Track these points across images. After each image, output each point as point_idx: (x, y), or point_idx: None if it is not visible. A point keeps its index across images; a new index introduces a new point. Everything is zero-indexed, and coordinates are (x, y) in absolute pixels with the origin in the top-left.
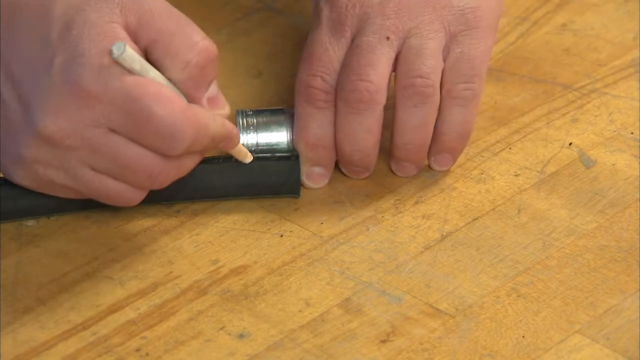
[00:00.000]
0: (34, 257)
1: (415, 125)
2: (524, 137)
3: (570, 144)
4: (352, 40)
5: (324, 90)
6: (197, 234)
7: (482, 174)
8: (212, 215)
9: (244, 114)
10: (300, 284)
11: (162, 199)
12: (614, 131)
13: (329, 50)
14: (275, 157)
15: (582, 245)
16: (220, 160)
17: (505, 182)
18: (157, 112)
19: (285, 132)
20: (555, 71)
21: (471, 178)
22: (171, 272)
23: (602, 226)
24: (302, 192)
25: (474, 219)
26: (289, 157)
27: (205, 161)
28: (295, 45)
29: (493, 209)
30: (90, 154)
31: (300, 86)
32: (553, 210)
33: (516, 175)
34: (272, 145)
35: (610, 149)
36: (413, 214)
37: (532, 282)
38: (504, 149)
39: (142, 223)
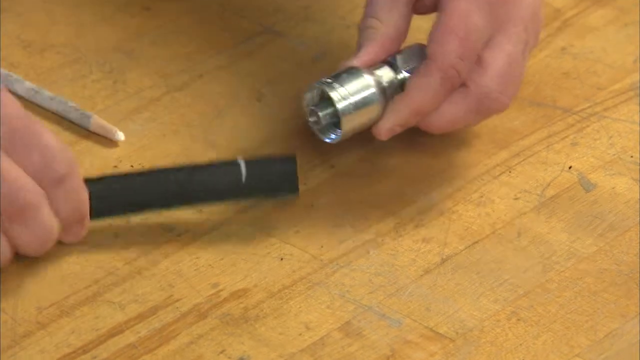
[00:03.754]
0: (34, 280)
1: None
2: (523, 160)
3: (570, 167)
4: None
5: (463, 78)
6: (197, 258)
7: (482, 197)
8: (212, 238)
9: (328, 84)
10: (300, 307)
11: (160, 204)
12: (614, 154)
13: (478, 31)
14: (273, 158)
15: (582, 268)
16: (219, 164)
17: (505, 206)
18: (48, 133)
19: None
20: (555, 94)
21: (471, 201)
22: (171, 295)
23: (602, 250)
24: (303, 214)
25: (474, 243)
26: (287, 158)
27: (203, 165)
28: (297, 68)
29: (493, 233)
30: None
31: (443, 61)
32: (553, 234)
33: (516, 198)
34: (364, 107)
35: (610, 172)
36: (413, 237)
37: (532, 306)
38: (503, 172)
39: (142, 246)
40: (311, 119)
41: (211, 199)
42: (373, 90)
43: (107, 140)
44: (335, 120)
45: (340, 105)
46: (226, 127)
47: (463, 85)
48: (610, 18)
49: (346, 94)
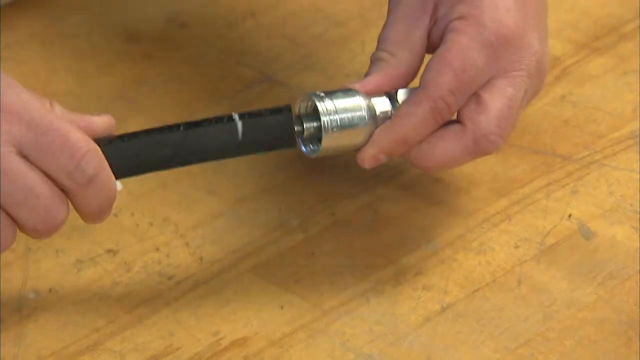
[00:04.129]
0: (35, 329)
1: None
2: (523, 208)
3: (570, 215)
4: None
5: (453, 112)
6: (197, 306)
7: (482, 245)
8: (212, 286)
9: (318, 96)
10: (300, 356)
11: (155, 166)
12: (614, 203)
13: (476, 69)
14: (268, 111)
15: (583, 317)
16: (213, 122)
17: (506, 254)
18: (74, 132)
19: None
20: (555, 142)
21: (471, 249)
22: (171, 344)
23: (602, 298)
24: (303, 262)
25: (474, 291)
26: (281, 110)
27: (195, 124)
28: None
29: (493, 281)
30: None
31: (434, 91)
32: (553, 282)
33: (516, 247)
34: (350, 128)
35: (610, 221)
36: (413, 285)
37: (532, 355)
38: (503, 220)
39: (143, 294)
40: (297, 128)
41: (208, 159)
42: (362, 113)
43: None
44: (320, 135)
45: (324, 118)
46: (227, 174)
47: (460, 123)
48: (610, 66)
49: (333, 109)
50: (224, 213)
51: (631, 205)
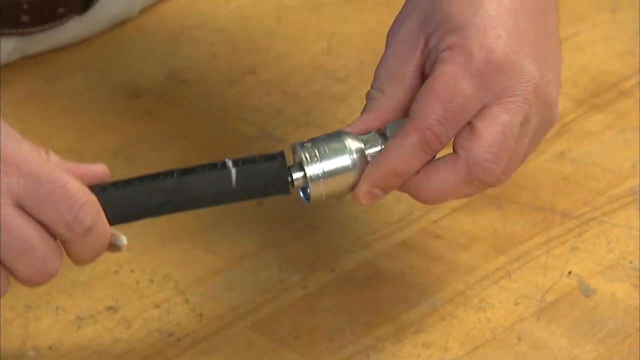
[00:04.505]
0: None
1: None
2: (523, 265)
3: (570, 272)
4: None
5: (444, 143)
6: None
7: (482, 302)
8: (212, 343)
9: (302, 146)
10: None
11: (149, 213)
12: (614, 260)
13: (464, 97)
14: (261, 157)
15: None
16: (207, 169)
17: (505, 311)
18: (73, 183)
19: (347, 157)
20: (554, 199)
21: (471, 306)
22: None
23: (602, 356)
24: (303, 319)
25: (474, 348)
26: (275, 156)
27: (189, 171)
28: None
29: (493, 338)
30: None
31: (422, 121)
32: (553, 340)
33: (516, 303)
34: (337, 173)
35: (609, 278)
36: (413, 342)
37: None
38: (503, 277)
39: (143, 351)
40: (289, 179)
41: (202, 206)
42: (348, 156)
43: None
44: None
45: (307, 168)
46: (226, 231)
47: (454, 153)
48: (609, 123)
49: (317, 157)
50: (224, 270)
51: (631, 262)
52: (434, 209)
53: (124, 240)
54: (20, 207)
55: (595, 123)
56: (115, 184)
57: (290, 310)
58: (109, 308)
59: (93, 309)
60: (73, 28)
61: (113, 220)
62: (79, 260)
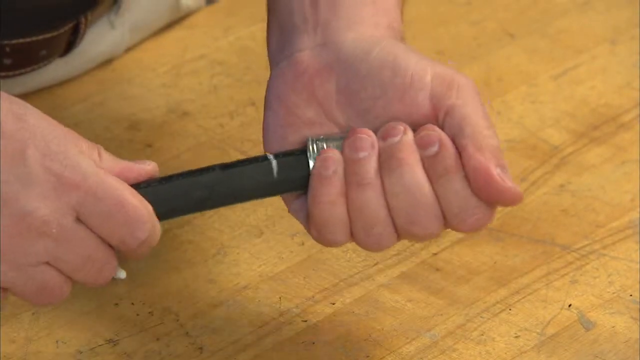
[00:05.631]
0: None
1: None
2: (523, 298)
3: (570, 305)
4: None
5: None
6: None
7: (482, 335)
8: None
9: (314, 141)
10: None
11: (192, 208)
12: (613, 293)
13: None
14: (298, 151)
15: None
16: (248, 162)
17: (506, 344)
18: (130, 199)
19: None
20: (554, 232)
21: (471, 339)
22: None
23: None
24: (304, 352)
25: None
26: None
27: (231, 165)
28: None
29: None
30: (56, 244)
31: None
32: None
33: (516, 336)
34: None
35: (609, 311)
36: None
37: None
38: (503, 310)
39: None
40: None
41: (244, 199)
42: None
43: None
44: None
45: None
46: (227, 264)
47: None
48: (608, 156)
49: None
50: (224, 302)
51: (631, 295)
52: (434, 242)
53: (122, 274)
54: (79, 220)
55: (595, 156)
56: (160, 180)
57: (290, 343)
58: (109, 341)
59: (93, 342)
60: (55, 69)
61: (158, 216)
62: (128, 258)
